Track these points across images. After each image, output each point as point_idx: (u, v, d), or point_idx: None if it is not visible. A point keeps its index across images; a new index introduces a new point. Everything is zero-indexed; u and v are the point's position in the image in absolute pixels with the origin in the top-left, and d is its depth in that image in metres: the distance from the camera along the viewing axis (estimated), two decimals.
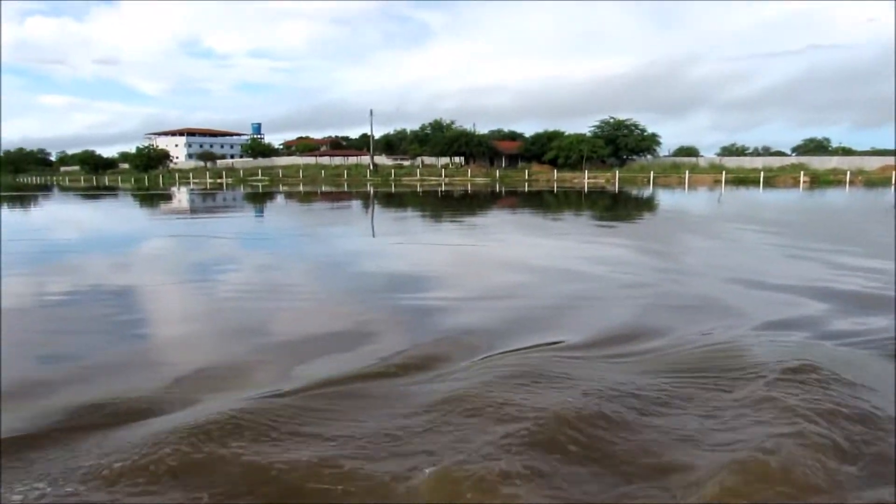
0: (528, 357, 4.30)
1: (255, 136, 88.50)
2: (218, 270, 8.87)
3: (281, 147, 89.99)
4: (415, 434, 3.00)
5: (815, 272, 8.09)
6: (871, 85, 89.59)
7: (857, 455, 2.72)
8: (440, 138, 61.43)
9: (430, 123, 67.81)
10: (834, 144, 70.08)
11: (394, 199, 28.84)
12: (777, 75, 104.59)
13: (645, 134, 58.34)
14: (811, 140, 73.26)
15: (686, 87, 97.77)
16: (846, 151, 61.68)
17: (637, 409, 3.26)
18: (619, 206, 23.95)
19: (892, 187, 35.77)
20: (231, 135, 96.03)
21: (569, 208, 22.32)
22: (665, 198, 28.85)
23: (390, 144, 73.64)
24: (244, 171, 67.80)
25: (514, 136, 70.02)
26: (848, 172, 44.13)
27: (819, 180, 43.14)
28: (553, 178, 48.61)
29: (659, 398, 3.44)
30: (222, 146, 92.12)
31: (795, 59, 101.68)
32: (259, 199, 31.26)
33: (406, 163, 66.29)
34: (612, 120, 58.89)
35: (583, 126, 67.27)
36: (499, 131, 72.44)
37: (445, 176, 53.52)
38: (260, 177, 61.73)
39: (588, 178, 46.98)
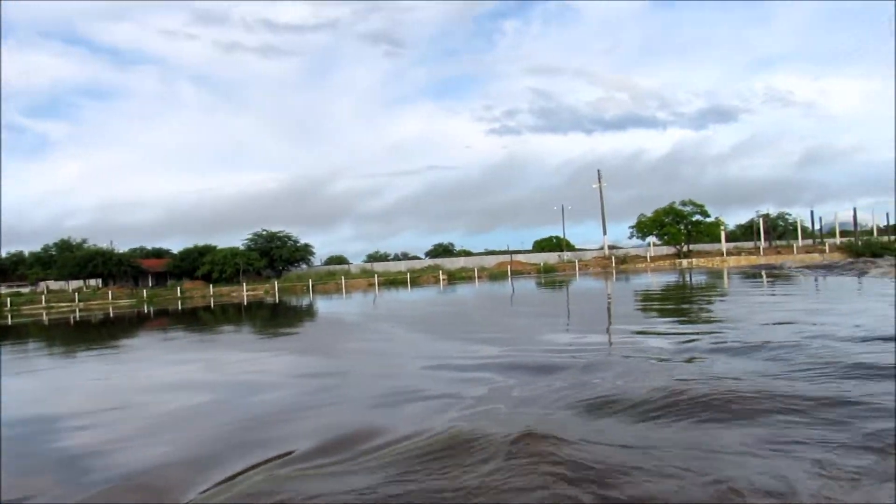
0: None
1: None
2: None
3: None
4: None
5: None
6: (478, 198, 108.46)
7: None
8: (69, 259, 53.59)
9: (55, 243, 58.96)
10: (457, 247, 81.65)
11: (11, 332, 23.58)
12: (405, 190, 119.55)
13: (298, 245, 59.97)
14: (439, 245, 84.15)
15: (330, 200, 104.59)
16: (467, 253, 72.42)
17: None
18: (284, 316, 23.57)
19: (509, 278, 43.23)
20: None
21: (231, 322, 21.08)
22: (327, 304, 29.49)
23: (2, 270, 61.46)
24: None
25: (160, 254, 65.09)
26: (476, 269, 52.06)
27: (454, 277, 49.56)
28: (209, 294, 46.03)
29: None
30: None
31: (417, 178, 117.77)
32: None
33: (26, 290, 55.78)
34: (264, 232, 59.24)
35: (235, 240, 66.07)
36: (142, 249, 66.55)
37: (80, 301, 46.35)
38: None
39: (247, 291, 45.73)
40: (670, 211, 55.26)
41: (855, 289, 18.58)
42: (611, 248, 61.45)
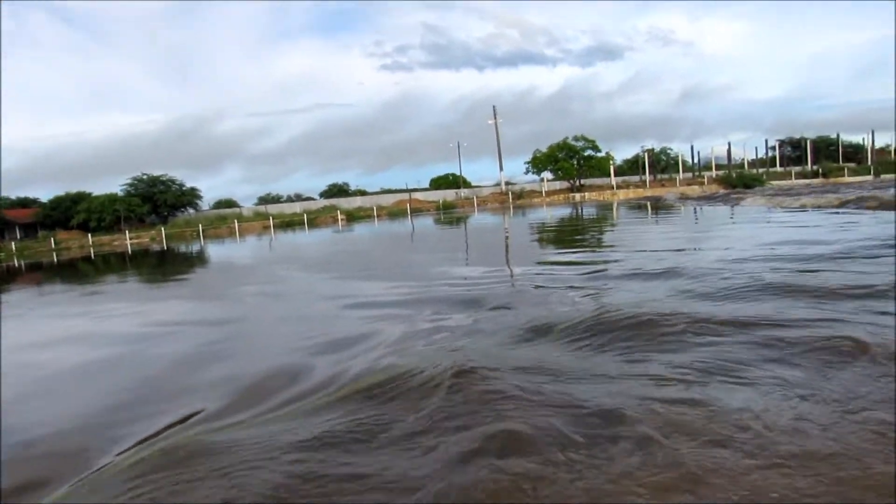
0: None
1: None
2: None
3: None
4: None
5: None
6: (373, 137, 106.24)
7: None
8: None
9: None
10: (353, 187, 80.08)
11: None
12: (296, 129, 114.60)
13: (184, 189, 56.50)
14: (334, 185, 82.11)
15: (215, 141, 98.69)
16: (363, 192, 71.28)
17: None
18: (175, 263, 22.25)
19: (409, 216, 43.11)
20: None
21: (115, 272, 19.61)
22: (221, 249, 28.14)
23: None
24: None
25: (25, 203, 59.27)
26: (374, 208, 51.39)
27: (352, 217, 48.70)
28: (88, 244, 42.69)
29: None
30: None
31: (308, 116, 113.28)
32: None
33: None
34: (145, 177, 55.23)
35: (113, 186, 61.19)
36: (5, 199, 60.31)
37: None
38: None
39: (131, 239, 42.80)
40: (563, 146, 56.65)
41: (733, 217, 19.92)
42: (507, 183, 62.46)
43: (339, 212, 50.25)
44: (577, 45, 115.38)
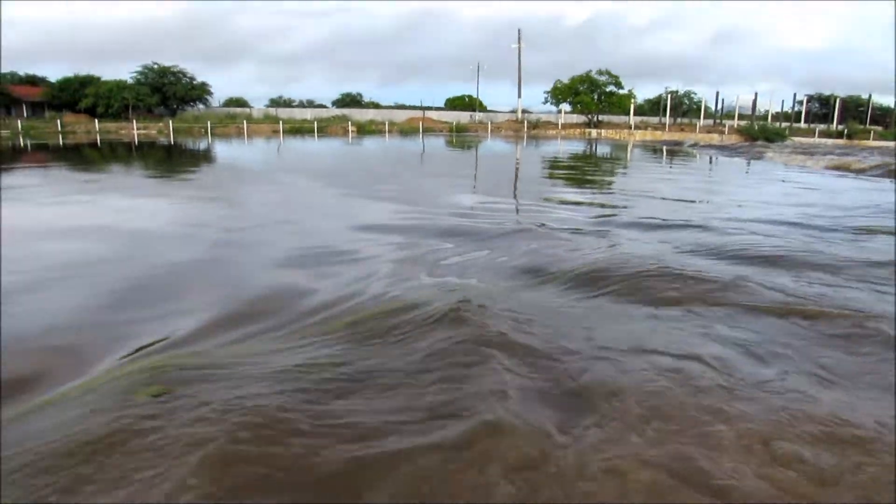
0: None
1: None
2: None
3: None
4: None
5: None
6: (391, 49, 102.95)
7: None
8: None
9: None
10: (366, 99, 78.43)
11: None
12: (314, 33, 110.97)
13: (195, 83, 55.22)
14: (347, 94, 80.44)
15: (232, 36, 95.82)
16: (376, 105, 69.81)
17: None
18: (181, 158, 22.00)
19: (420, 135, 42.39)
20: None
21: (120, 162, 19.39)
22: (228, 149, 27.76)
23: None
24: None
25: (34, 81, 58.13)
26: (386, 123, 50.42)
27: (363, 130, 47.91)
28: (94, 130, 42.20)
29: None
30: None
31: (327, 20, 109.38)
32: None
33: None
34: (156, 66, 53.85)
35: (122, 72, 59.71)
36: (13, 74, 59.08)
37: None
38: None
39: (138, 129, 42.26)
40: (586, 79, 55.09)
41: (749, 174, 19.48)
42: (524, 112, 61.09)
43: (349, 123, 49.35)
44: None
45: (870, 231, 7.28)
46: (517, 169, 18.79)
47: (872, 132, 55.85)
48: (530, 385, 2.72)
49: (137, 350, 3.42)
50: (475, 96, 68.37)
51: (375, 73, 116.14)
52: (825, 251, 5.76)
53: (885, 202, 10.54)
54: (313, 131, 45.38)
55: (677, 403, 2.52)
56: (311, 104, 71.54)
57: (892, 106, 63.78)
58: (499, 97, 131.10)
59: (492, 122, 56.34)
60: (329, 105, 72.00)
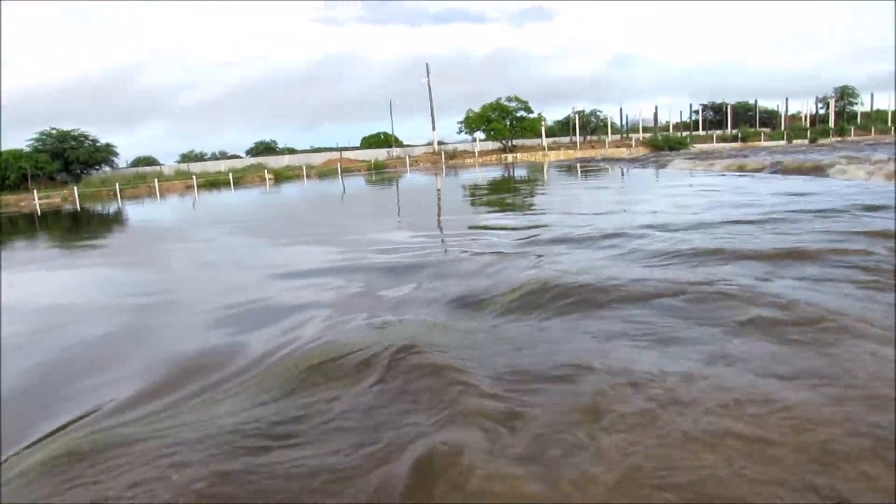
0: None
1: None
2: None
3: None
4: None
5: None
6: (303, 93, 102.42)
7: None
8: None
9: None
10: (281, 145, 77.54)
11: None
12: (223, 84, 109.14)
13: (98, 145, 52.91)
14: (261, 143, 79.31)
15: (137, 95, 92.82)
16: (291, 151, 69.12)
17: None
18: (90, 225, 20.95)
19: (339, 176, 42.25)
20: None
21: (22, 235, 18.24)
22: (140, 210, 26.67)
23: None
24: None
25: None
26: (304, 167, 49.91)
27: (281, 176, 47.22)
28: None
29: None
30: None
31: (239, 69, 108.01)
32: None
33: None
34: (54, 132, 51.48)
35: (18, 141, 56.60)
36: None
37: None
38: None
39: (40, 199, 40.07)
40: (496, 107, 56.48)
41: (660, 180, 20.39)
42: (440, 143, 61.97)
43: (266, 171, 48.61)
44: (512, 5, 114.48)
45: (774, 220, 7.72)
46: (439, 200, 18.94)
47: (762, 134, 59.92)
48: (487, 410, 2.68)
49: (57, 430, 3.16)
50: (391, 132, 68.92)
51: (291, 118, 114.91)
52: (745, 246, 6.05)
53: (779, 198, 11.26)
54: (229, 183, 44.39)
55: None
56: (224, 156, 70.16)
57: (777, 109, 68.84)
58: (415, 131, 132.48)
59: (409, 157, 56.83)
60: (243, 155, 70.84)
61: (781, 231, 7.13)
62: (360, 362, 3.46)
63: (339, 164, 51.18)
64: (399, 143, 66.57)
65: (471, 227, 10.51)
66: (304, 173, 48.21)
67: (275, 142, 79.73)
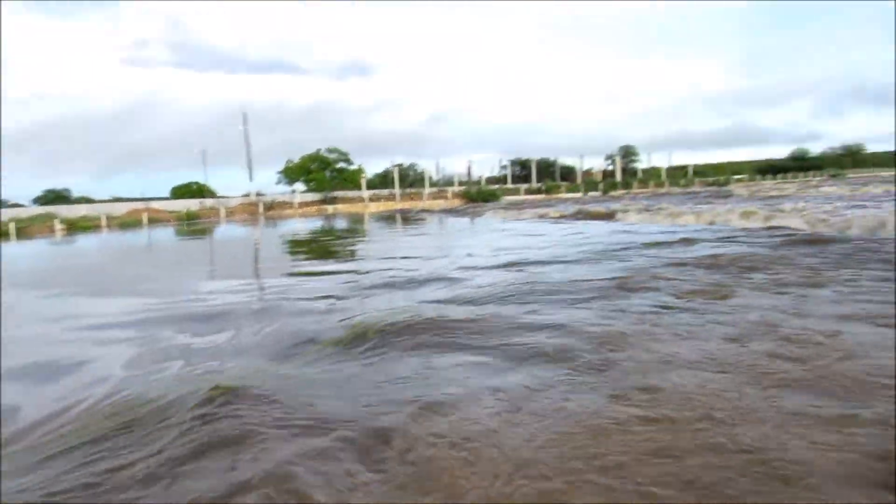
0: None
1: None
2: None
3: None
4: None
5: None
6: (104, 138, 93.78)
7: None
8: None
9: None
10: (76, 194, 70.29)
11: None
12: (10, 123, 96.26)
13: None
14: (51, 191, 71.44)
15: None
16: (88, 200, 63.03)
17: None
18: None
19: (145, 227, 39.14)
20: None
21: None
22: None
23: None
24: None
25: None
26: (104, 217, 45.52)
27: (76, 226, 42.64)
28: None
29: None
30: None
31: (27, 110, 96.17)
32: None
33: None
34: None
35: None
36: None
37: None
38: None
39: None
40: (316, 158, 56.50)
41: (477, 227, 21.60)
42: (258, 194, 60.15)
43: (57, 220, 43.62)
44: (332, 59, 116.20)
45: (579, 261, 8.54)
46: (257, 249, 18.32)
47: (563, 186, 66.29)
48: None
49: None
50: (204, 182, 65.67)
51: (89, 164, 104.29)
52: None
53: (579, 239, 12.50)
54: (9, 234, 39.10)
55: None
56: (4, 204, 61.93)
57: (574, 166, 76.90)
58: (230, 181, 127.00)
59: (225, 207, 54.37)
60: (28, 203, 63.17)
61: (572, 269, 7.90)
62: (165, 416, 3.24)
63: (144, 215, 47.42)
64: (213, 194, 63.56)
65: (292, 274, 10.31)
66: (104, 224, 44.02)
67: (68, 190, 72.20)
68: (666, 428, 2.83)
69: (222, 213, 51.64)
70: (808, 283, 6.20)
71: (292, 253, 16.08)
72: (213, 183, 70.32)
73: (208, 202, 57.74)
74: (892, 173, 61.36)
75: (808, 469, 2.43)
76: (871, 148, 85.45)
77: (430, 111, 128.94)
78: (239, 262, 14.66)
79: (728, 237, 11.32)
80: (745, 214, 16.98)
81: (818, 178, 66.86)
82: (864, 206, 17.28)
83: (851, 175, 70.49)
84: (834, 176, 69.90)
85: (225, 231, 31.71)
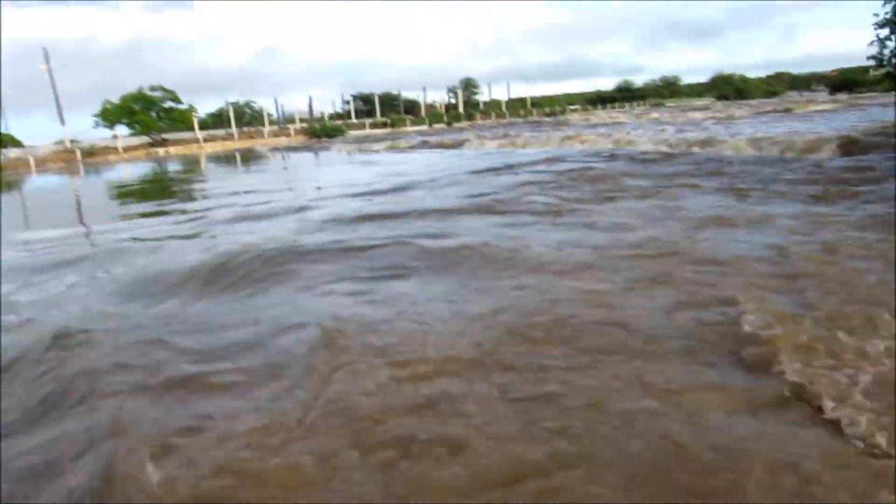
0: None
1: None
2: None
3: None
4: None
5: None
6: None
7: None
8: None
9: None
10: None
11: None
12: None
13: None
14: None
15: None
16: None
17: None
18: None
19: None
20: None
21: None
22: None
23: None
24: None
25: None
26: None
27: None
28: None
29: None
30: None
31: None
32: None
33: None
34: None
35: None
36: None
37: None
38: None
39: None
40: (140, 97, 51.46)
41: (322, 161, 21.11)
42: (72, 141, 53.91)
43: None
44: None
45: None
46: (79, 199, 16.55)
47: (408, 120, 66.26)
48: None
49: None
50: (3, 131, 57.55)
51: None
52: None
53: (422, 166, 12.67)
54: None
55: None
56: None
57: (418, 99, 77.01)
58: (38, 128, 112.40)
59: (35, 158, 48.30)
60: None
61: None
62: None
63: None
64: (17, 143, 56.05)
65: (124, 218, 9.49)
66: None
67: None
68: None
69: (32, 163, 45.86)
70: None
71: (120, 197, 14.75)
72: (16, 130, 62.10)
73: (12, 153, 50.87)
74: (706, 102, 68.76)
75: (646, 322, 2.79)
76: (686, 80, 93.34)
77: (260, 45, 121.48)
78: (64, 212, 13.19)
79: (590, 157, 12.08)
80: (599, 137, 18.20)
81: (641, 108, 72.51)
82: (689, 131, 18.88)
83: (671, 104, 77.10)
84: (655, 105, 76.21)
85: (38, 183, 28.32)
